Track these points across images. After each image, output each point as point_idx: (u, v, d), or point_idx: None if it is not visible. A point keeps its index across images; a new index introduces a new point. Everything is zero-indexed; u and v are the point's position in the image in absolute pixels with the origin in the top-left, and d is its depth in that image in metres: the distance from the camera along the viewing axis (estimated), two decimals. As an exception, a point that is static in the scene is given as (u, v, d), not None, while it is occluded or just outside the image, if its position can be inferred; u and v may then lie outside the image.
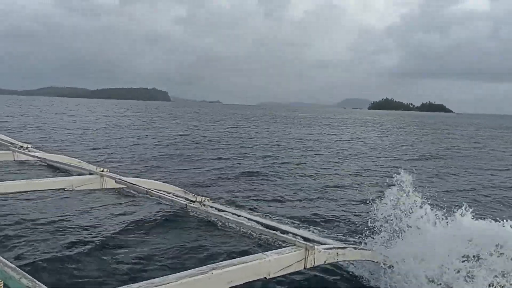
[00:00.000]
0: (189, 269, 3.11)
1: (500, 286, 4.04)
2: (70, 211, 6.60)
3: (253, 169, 12.24)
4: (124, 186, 6.10)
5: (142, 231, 5.90)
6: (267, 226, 5.75)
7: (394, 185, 4.85)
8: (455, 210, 4.30)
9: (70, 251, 4.97)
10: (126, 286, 2.78)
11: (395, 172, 4.86)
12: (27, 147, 10.01)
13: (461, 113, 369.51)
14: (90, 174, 6.20)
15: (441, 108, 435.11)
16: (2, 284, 2.82)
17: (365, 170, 13.29)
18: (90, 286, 4.24)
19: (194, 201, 6.82)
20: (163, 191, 6.50)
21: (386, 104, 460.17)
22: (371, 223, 4.90)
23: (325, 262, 3.91)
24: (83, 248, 5.10)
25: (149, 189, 5.99)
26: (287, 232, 5.46)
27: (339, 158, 16.17)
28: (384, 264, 4.62)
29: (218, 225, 6.17)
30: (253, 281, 3.32)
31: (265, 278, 3.41)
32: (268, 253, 3.51)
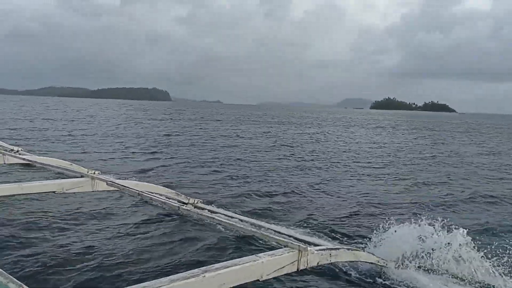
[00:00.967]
0: (181, 272, 3.08)
1: None
2: (60, 214, 6.53)
3: (246, 171, 12.21)
4: (115, 189, 6.04)
5: (133, 234, 5.85)
6: (260, 228, 5.73)
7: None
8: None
9: (60, 255, 4.91)
10: (117, 289, 2.75)
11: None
12: (17, 150, 9.94)
13: (463, 113, 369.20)
14: (81, 176, 6.13)
15: (444, 108, 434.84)
16: None
17: (363, 172, 13.29)
18: (80, 290, 4.20)
19: (186, 203, 6.79)
20: (155, 193, 6.45)
21: (388, 104, 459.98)
22: (365, 225, 4.93)
23: (318, 263, 3.89)
24: (74, 251, 5.04)
25: (141, 191, 5.94)
26: (280, 233, 5.46)
27: (337, 159, 16.18)
28: (377, 264, 4.64)
29: (211, 227, 6.15)
30: (246, 283, 3.29)
31: (258, 280, 3.38)
32: (261, 254, 3.48)
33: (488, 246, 5.00)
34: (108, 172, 9.93)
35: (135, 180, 8.30)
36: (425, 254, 4.74)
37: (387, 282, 4.58)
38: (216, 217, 5.21)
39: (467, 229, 4.79)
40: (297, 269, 3.66)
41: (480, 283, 4.51)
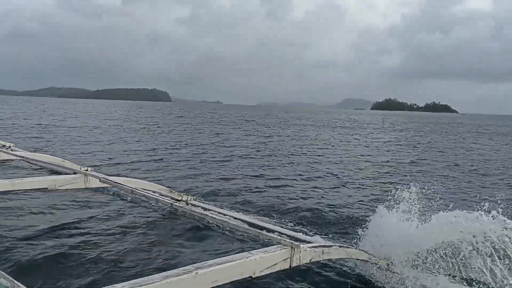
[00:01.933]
0: (174, 268, 3.09)
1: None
2: (53, 211, 6.51)
3: (240, 169, 12.24)
4: (108, 185, 6.04)
5: (126, 231, 5.85)
6: (253, 225, 5.74)
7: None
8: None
9: (52, 252, 4.89)
10: (109, 286, 2.75)
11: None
12: (9, 146, 9.85)
13: (464, 114, 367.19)
14: (74, 173, 6.12)
15: (445, 109, 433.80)
16: None
17: (359, 172, 13.35)
18: (73, 286, 4.19)
19: (179, 200, 6.78)
20: (148, 190, 6.45)
21: (389, 105, 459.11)
22: (358, 222, 4.96)
23: (310, 260, 3.91)
24: (66, 248, 5.03)
25: (134, 188, 5.94)
26: (273, 231, 5.46)
27: (335, 159, 16.23)
28: (369, 261, 4.67)
29: (204, 224, 6.16)
30: (238, 280, 3.31)
31: (250, 277, 3.40)
32: (253, 252, 3.50)
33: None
34: (101, 169, 9.90)
35: (128, 177, 8.28)
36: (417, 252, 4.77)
37: (379, 279, 4.62)
38: (209, 214, 5.24)
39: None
40: (290, 266, 3.69)
41: (474, 279, 4.54)
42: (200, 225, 6.14)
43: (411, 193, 5.08)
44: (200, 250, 5.27)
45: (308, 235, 5.77)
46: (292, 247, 3.65)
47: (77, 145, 16.17)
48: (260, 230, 4.70)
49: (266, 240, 4.49)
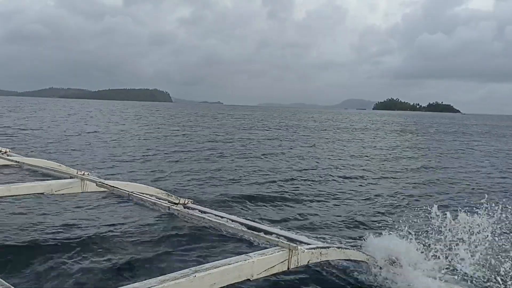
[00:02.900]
0: (171, 272, 3.08)
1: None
2: (49, 216, 6.48)
3: (237, 172, 12.22)
4: (105, 190, 6.01)
5: (123, 235, 5.83)
6: (250, 227, 5.74)
7: None
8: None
9: (49, 256, 4.87)
10: (107, 290, 2.74)
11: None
12: (5, 151, 9.83)
13: (465, 114, 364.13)
14: (71, 177, 6.09)
15: (448, 109, 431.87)
16: None
17: (357, 174, 13.36)
18: (70, 291, 4.17)
19: (177, 204, 6.78)
20: (146, 194, 6.44)
21: (391, 105, 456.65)
22: (356, 223, 4.96)
23: (308, 262, 3.91)
24: (62, 253, 5.01)
25: (131, 192, 5.92)
26: (270, 233, 5.47)
27: (329, 160, 16.24)
28: (367, 262, 4.68)
29: (201, 227, 6.14)
30: (236, 282, 3.30)
31: (248, 279, 3.39)
32: (251, 254, 3.49)
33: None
34: (98, 173, 9.88)
35: (125, 181, 8.26)
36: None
37: (377, 280, 4.62)
38: (206, 217, 5.22)
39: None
40: (288, 268, 3.68)
41: (473, 280, 4.55)
42: (198, 228, 6.12)
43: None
44: (198, 253, 5.25)
45: (306, 237, 5.77)
46: (290, 249, 3.64)
47: (73, 149, 16.08)
48: (258, 232, 4.69)
49: (263, 242, 4.49)
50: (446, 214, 4.77)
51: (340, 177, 11.97)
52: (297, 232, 6.14)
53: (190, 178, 10.70)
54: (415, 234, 4.89)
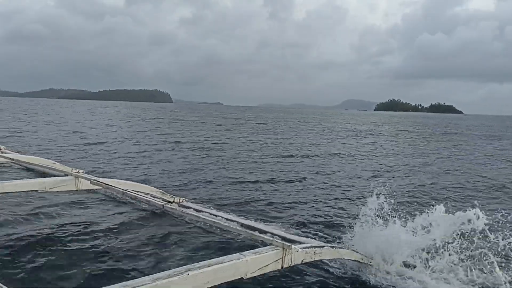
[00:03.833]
0: (165, 270, 3.08)
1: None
2: (43, 213, 6.46)
3: (232, 170, 12.22)
4: (100, 187, 6.00)
5: (117, 233, 5.82)
6: (245, 226, 5.75)
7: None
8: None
9: (41, 254, 4.86)
10: (100, 288, 2.74)
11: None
12: (0, 149, 9.76)
13: (467, 115, 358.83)
14: (65, 175, 6.08)
15: (450, 109, 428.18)
16: None
17: (354, 174, 13.38)
18: (63, 289, 4.16)
19: (171, 202, 6.77)
20: (140, 192, 6.43)
21: (393, 105, 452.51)
22: (350, 223, 4.98)
23: (302, 261, 3.92)
24: (56, 251, 5.00)
25: (126, 190, 5.91)
26: (265, 232, 5.47)
27: (325, 161, 16.26)
28: (361, 261, 4.69)
29: (195, 225, 6.15)
30: (230, 281, 3.31)
31: (242, 278, 3.39)
32: (245, 253, 3.50)
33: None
34: (93, 171, 9.85)
35: (120, 178, 8.25)
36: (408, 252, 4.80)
37: (371, 279, 4.64)
38: (201, 216, 5.22)
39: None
40: (281, 267, 3.69)
41: (470, 280, 4.58)
42: (192, 227, 6.13)
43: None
44: (192, 252, 5.25)
45: (300, 236, 5.78)
46: (283, 248, 3.65)
47: (67, 147, 16.04)
48: (252, 231, 4.70)
49: (258, 241, 4.49)
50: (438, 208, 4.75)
51: (339, 177, 12.00)
52: (292, 231, 6.15)
53: (185, 177, 10.69)
54: (412, 234, 4.90)
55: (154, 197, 6.62)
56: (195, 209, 6.67)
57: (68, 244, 5.25)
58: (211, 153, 16.03)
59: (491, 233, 4.51)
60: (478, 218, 4.36)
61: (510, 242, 4.55)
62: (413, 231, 4.79)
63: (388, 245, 4.77)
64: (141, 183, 7.36)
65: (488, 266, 4.62)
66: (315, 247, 4.16)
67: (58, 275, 4.40)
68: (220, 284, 3.21)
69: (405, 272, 4.66)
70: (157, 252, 5.19)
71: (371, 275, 4.69)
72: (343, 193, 9.60)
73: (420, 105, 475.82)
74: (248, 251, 3.55)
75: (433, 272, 4.64)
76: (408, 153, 19.30)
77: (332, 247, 4.47)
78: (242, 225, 5.92)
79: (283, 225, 6.59)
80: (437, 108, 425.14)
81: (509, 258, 4.96)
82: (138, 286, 2.76)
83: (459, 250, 4.72)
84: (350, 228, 5.47)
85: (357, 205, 8.40)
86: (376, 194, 5.19)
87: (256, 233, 4.57)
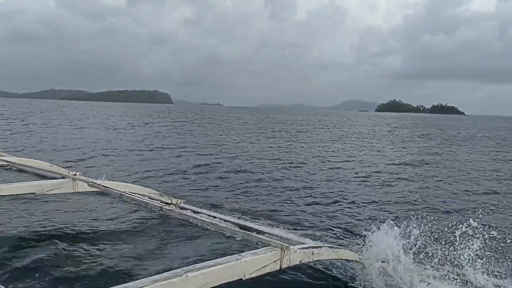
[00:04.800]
0: (164, 272, 3.07)
1: None
2: (41, 216, 6.44)
3: (229, 171, 12.20)
4: (97, 190, 5.98)
5: (115, 235, 5.80)
6: (243, 227, 5.74)
7: None
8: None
9: (39, 257, 4.84)
10: (98, 290, 2.73)
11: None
12: (-4, 152, 9.71)
13: (469, 115, 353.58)
14: (62, 177, 6.06)
15: (452, 110, 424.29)
16: None
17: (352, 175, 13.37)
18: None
19: (169, 204, 6.75)
20: (138, 194, 6.41)
21: (394, 106, 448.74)
22: (348, 224, 4.97)
23: (300, 261, 3.91)
24: (54, 253, 4.97)
25: (123, 192, 5.89)
26: (263, 233, 5.47)
27: (322, 162, 16.26)
28: (359, 262, 4.69)
29: (194, 227, 6.13)
30: (228, 282, 3.30)
31: (241, 279, 3.38)
32: (243, 254, 3.49)
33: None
34: (90, 173, 9.81)
35: (117, 180, 8.23)
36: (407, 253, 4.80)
37: (369, 281, 4.63)
38: (199, 217, 5.21)
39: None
40: (280, 268, 3.68)
41: (462, 279, 4.58)
42: (190, 228, 6.11)
43: None
44: (190, 253, 5.24)
45: (299, 236, 5.78)
46: (282, 249, 3.64)
47: (65, 150, 15.99)
48: (250, 232, 4.70)
49: (256, 242, 4.48)
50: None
51: (339, 178, 11.99)
52: (290, 232, 6.15)
53: (183, 179, 10.67)
54: (411, 235, 4.90)
55: (152, 199, 6.60)
56: (193, 211, 6.67)
57: (65, 246, 5.23)
58: (210, 156, 16.00)
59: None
60: None
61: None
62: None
63: (386, 246, 4.76)
64: (139, 185, 7.35)
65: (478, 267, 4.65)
66: (313, 247, 4.15)
67: (55, 277, 4.38)
68: (219, 285, 3.20)
69: (405, 274, 4.65)
70: (155, 254, 5.18)
71: (370, 276, 4.68)
72: (348, 194, 9.60)
73: (422, 106, 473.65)
74: (246, 252, 3.54)
75: (433, 272, 4.64)
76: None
77: (330, 247, 4.46)
78: (240, 226, 5.92)
79: (281, 226, 6.59)
80: (439, 109, 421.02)
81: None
82: None
83: (458, 250, 4.74)
84: (350, 229, 5.47)
85: (358, 206, 8.41)
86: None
87: (254, 234, 4.57)
